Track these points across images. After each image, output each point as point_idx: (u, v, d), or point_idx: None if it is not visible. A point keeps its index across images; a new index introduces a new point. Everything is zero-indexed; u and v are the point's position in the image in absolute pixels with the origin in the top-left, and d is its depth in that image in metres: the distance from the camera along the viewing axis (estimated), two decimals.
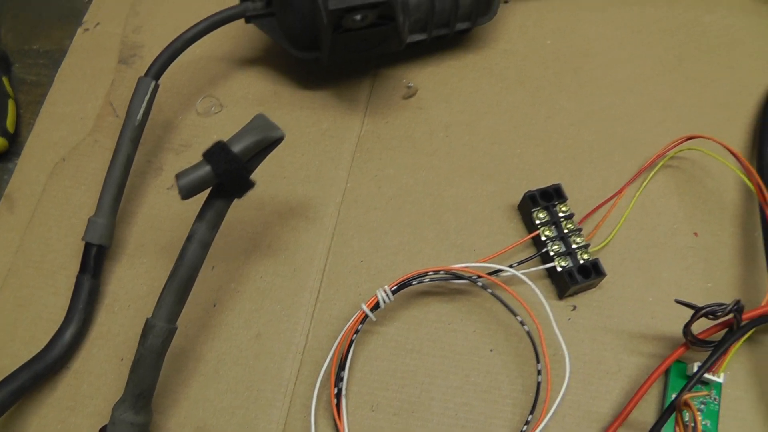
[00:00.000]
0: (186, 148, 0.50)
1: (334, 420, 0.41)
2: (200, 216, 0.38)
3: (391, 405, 0.42)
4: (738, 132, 0.52)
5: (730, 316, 0.39)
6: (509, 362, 0.43)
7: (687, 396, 0.37)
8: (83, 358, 0.43)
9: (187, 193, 0.36)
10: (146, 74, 0.46)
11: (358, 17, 0.43)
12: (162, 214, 0.48)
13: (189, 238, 0.37)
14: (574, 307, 0.45)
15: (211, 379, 0.43)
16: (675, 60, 0.55)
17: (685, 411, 0.37)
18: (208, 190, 0.37)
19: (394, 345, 0.44)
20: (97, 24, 0.56)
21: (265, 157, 0.38)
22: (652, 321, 0.44)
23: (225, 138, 0.36)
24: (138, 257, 0.46)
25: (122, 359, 0.43)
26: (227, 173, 0.36)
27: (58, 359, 0.42)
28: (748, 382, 0.43)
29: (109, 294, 0.45)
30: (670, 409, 0.38)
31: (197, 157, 0.36)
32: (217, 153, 0.36)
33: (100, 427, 0.38)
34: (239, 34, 0.55)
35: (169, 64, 0.47)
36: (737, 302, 0.39)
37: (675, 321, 0.43)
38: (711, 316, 0.39)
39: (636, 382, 0.42)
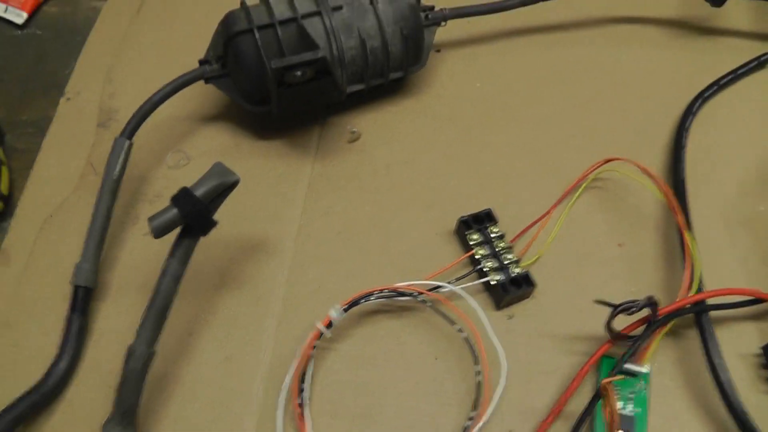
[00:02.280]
0: (158, 198, 0.53)
1: (299, 429, 0.43)
2: (171, 253, 0.40)
3: (350, 412, 0.44)
4: (655, 154, 0.55)
5: (647, 311, 0.42)
6: (452, 368, 0.46)
7: (605, 381, 0.40)
8: (76, 388, 0.45)
9: (158, 233, 0.39)
10: (121, 134, 0.49)
11: (299, 73, 0.46)
12: (140, 258, 0.50)
13: (163, 273, 0.40)
14: (511, 317, 0.47)
15: (189, 400, 0.45)
16: (593, 93, 0.58)
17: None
18: (177, 230, 0.40)
19: (349, 359, 0.46)
20: (78, 92, 0.58)
21: (224, 199, 0.41)
22: (583, 324, 0.47)
23: None
24: (121, 296, 0.48)
25: (111, 387, 0.43)
26: (192, 214, 0.39)
27: (54, 389, 0.44)
28: (673, 372, 0.46)
29: (97, 330, 0.47)
30: (596, 396, 0.41)
31: None
32: (182, 197, 0.39)
33: None
34: (200, 94, 0.57)
35: (140, 125, 0.50)
36: (650, 298, 0.41)
37: (604, 323, 0.44)
38: (627, 312, 0.42)
39: (571, 379, 0.44)
